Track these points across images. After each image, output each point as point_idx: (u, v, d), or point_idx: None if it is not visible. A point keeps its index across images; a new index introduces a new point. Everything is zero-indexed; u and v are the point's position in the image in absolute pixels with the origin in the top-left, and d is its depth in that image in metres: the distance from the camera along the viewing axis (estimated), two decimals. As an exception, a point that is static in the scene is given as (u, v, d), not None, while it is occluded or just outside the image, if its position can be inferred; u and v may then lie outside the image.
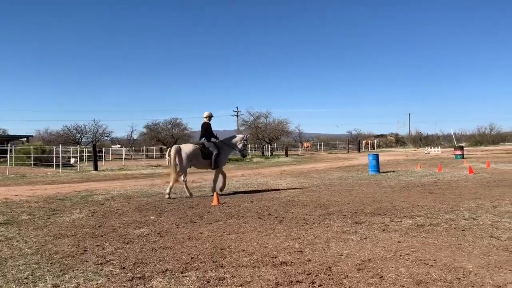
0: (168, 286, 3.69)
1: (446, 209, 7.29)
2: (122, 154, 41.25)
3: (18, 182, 15.97)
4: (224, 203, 8.75)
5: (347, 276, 3.84)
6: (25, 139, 42.47)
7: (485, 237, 5.16)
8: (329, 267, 4.12)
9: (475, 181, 11.98)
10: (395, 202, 8.32)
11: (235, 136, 11.24)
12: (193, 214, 7.49)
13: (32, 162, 25.12)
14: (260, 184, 12.95)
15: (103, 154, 39.75)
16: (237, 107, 59.26)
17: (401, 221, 6.35)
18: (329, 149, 63.38)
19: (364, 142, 64.66)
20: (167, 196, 9.76)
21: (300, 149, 56.44)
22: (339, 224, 6.25)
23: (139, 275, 3.98)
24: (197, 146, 10.34)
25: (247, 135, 11.85)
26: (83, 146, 45.73)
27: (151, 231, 6.06)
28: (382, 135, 79.34)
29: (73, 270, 4.17)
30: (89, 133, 57.22)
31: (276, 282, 3.70)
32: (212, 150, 10.30)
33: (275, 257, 4.49)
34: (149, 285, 3.72)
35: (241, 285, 3.66)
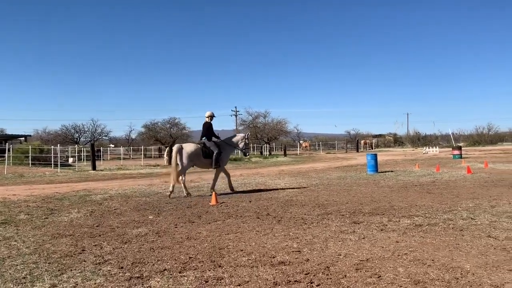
0: (166, 285, 3.69)
1: (444, 209, 7.30)
2: (120, 154, 41.19)
3: (16, 181, 15.94)
4: (222, 202, 8.75)
5: (345, 275, 3.84)
6: (23, 138, 42.36)
7: (483, 237, 5.17)
8: (327, 266, 4.12)
9: (473, 181, 12.00)
10: (393, 202, 8.33)
11: (235, 136, 11.26)
12: (192, 214, 7.48)
13: (30, 162, 25.06)
14: (258, 184, 12.94)
15: (101, 154, 39.68)
16: (235, 107, 59.37)
17: (399, 221, 6.35)
18: (327, 149, 63.39)
19: (362, 142, 64.70)
20: (168, 193, 9.89)
21: (298, 148, 56.48)
22: (337, 223, 6.25)
23: (137, 275, 3.98)
24: (199, 145, 10.37)
25: (248, 134, 11.86)
26: (81, 146, 45.62)
27: (149, 230, 6.06)
28: (380, 135, 79.57)
29: (71, 270, 4.16)
30: (87, 132, 57.31)
31: (274, 282, 3.70)
32: (213, 150, 10.32)
33: (274, 257, 4.49)
34: (147, 285, 3.71)
35: (239, 285, 3.66)
